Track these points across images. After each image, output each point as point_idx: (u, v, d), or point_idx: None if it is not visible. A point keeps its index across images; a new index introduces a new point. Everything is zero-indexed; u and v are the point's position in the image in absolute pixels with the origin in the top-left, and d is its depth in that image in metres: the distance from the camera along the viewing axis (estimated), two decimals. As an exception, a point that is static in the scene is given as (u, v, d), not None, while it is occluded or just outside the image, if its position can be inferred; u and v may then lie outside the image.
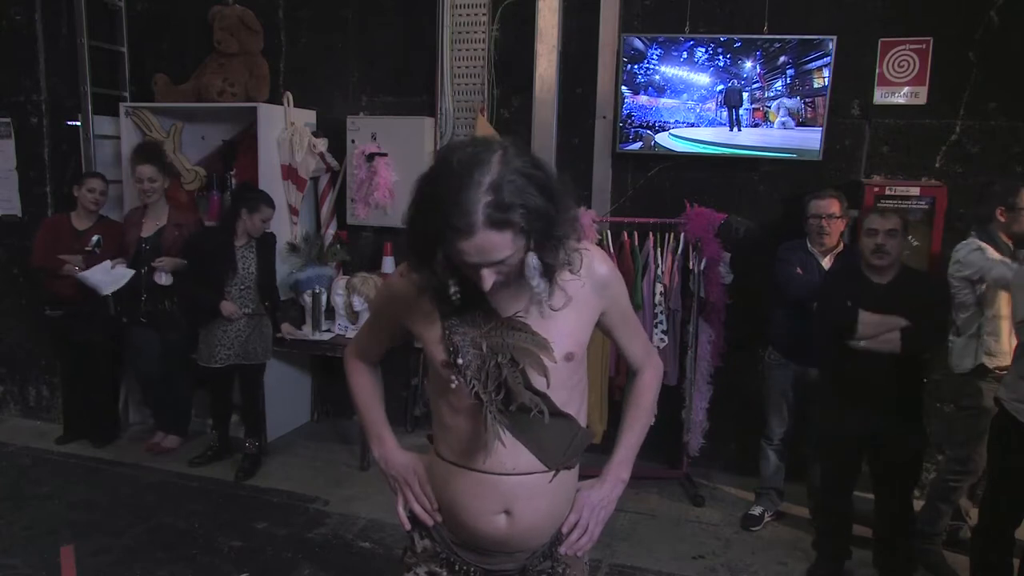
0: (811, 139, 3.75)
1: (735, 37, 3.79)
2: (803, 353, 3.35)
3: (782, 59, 3.73)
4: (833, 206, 3.32)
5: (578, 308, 1.38)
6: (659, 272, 3.76)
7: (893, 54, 3.69)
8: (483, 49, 4.22)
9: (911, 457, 2.92)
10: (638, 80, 3.90)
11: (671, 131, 3.92)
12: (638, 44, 3.87)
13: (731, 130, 3.84)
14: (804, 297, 3.27)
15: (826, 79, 3.69)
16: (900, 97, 3.72)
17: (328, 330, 4.34)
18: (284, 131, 4.33)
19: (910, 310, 2.77)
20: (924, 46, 3.65)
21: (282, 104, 4.36)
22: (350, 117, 4.42)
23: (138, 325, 4.21)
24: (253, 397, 4.11)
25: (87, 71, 4.43)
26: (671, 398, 3.95)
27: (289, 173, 4.35)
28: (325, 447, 4.43)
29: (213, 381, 4.10)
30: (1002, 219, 3.05)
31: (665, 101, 3.90)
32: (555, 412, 1.38)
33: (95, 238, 4.13)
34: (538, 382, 1.35)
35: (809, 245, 3.39)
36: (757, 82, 3.78)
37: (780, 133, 3.79)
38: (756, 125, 3.82)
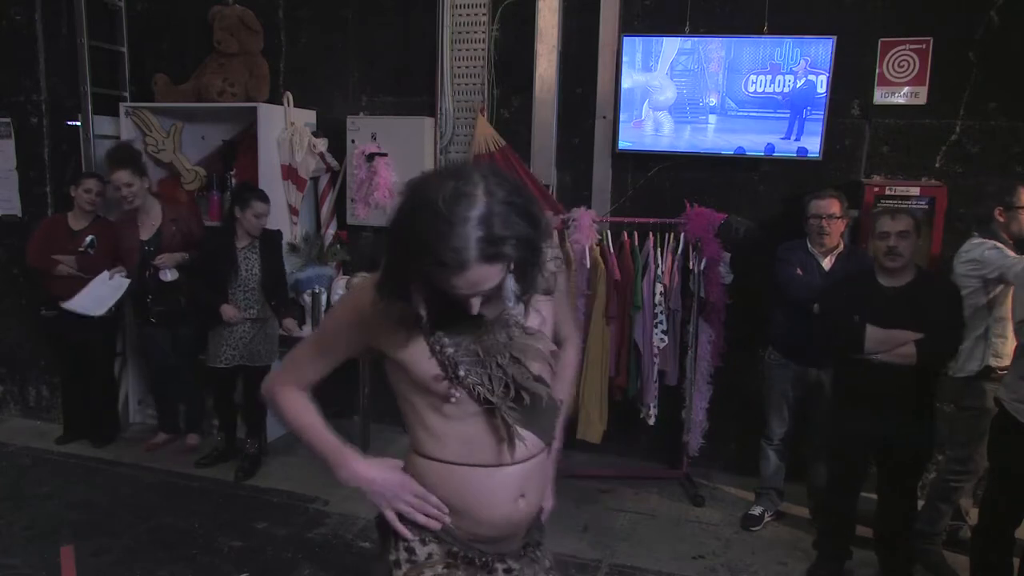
0: (811, 139, 3.75)
1: (735, 37, 3.79)
2: (803, 353, 3.36)
3: (782, 59, 3.73)
4: (833, 206, 3.31)
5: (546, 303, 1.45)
6: (659, 272, 3.76)
7: (893, 54, 3.69)
8: (483, 49, 4.22)
9: (921, 457, 2.90)
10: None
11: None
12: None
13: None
14: (804, 297, 3.27)
15: (826, 79, 3.69)
16: (900, 97, 3.72)
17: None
18: (284, 131, 4.33)
19: (926, 315, 2.70)
20: (924, 46, 3.65)
21: (282, 104, 4.36)
22: (350, 117, 4.42)
23: (149, 325, 4.20)
24: (255, 398, 4.11)
25: (87, 71, 4.43)
26: (671, 398, 3.97)
27: (289, 173, 4.35)
28: (325, 447, 4.42)
29: (218, 382, 4.09)
30: (1000, 219, 3.05)
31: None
32: (552, 395, 1.44)
33: (88, 239, 4.13)
34: (537, 370, 1.38)
35: (809, 245, 3.38)
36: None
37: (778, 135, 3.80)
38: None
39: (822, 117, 3.71)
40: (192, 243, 4.15)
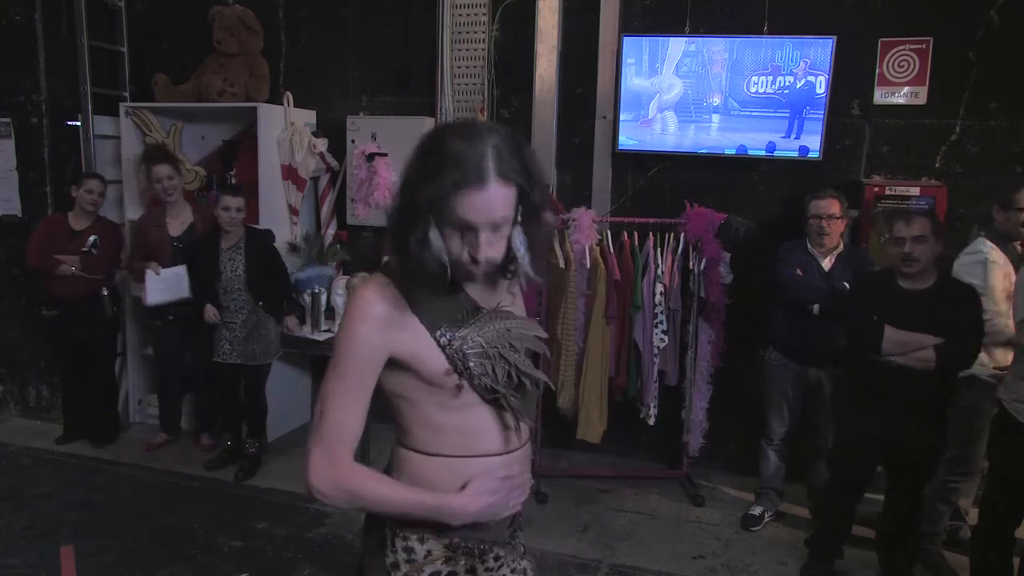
0: (811, 137, 3.75)
1: (736, 38, 3.79)
2: (803, 353, 3.36)
3: (783, 61, 3.73)
4: (833, 206, 3.31)
5: (517, 294, 1.53)
6: (659, 272, 3.76)
7: (893, 54, 3.69)
8: (483, 49, 4.22)
9: (930, 460, 2.86)
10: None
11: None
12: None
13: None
14: (804, 297, 3.27)
15: (825, 80, 3.69)
16: (900, 97, 3.72)
17: (328, 330, 4.33)
18: (284, 131, 4.33)
19: (944, 320, 2.65)
20: (924, 46, 3.65)
21: (282, 104, 4.36)
22: (350, 117, 4.42)
23: (165, 323, 4.19)
24: (255, 397, 4.11)
25: (87, 71, 4.43)
26: (671, 398, 3.97)
27: (289, 173, 4.36)
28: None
29: (222, 380, 4.08)
30: (997, 217, 3.05)
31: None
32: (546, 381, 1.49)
33: (92, 238, 4.13)
34: (534, 358, 1.44)
35: (809, 245, 3.39)
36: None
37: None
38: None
39: (822, 116, 3.71)
40: None
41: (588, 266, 3.77)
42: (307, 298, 4.31)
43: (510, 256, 1.32)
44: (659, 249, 3.77)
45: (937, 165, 3.72)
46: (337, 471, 1.31)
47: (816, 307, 3.25)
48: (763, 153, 3.84)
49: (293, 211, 4.44)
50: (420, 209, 1.24)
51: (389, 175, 4.29)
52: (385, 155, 4.30)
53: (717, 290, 3.76)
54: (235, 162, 4.55)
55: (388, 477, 1.40)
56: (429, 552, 1.41)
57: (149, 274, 4.01)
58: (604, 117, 4.06)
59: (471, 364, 1.33)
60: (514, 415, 1.40)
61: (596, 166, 4.13)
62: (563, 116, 4.16)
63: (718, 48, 3.79)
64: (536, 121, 4.14)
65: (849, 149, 3.83)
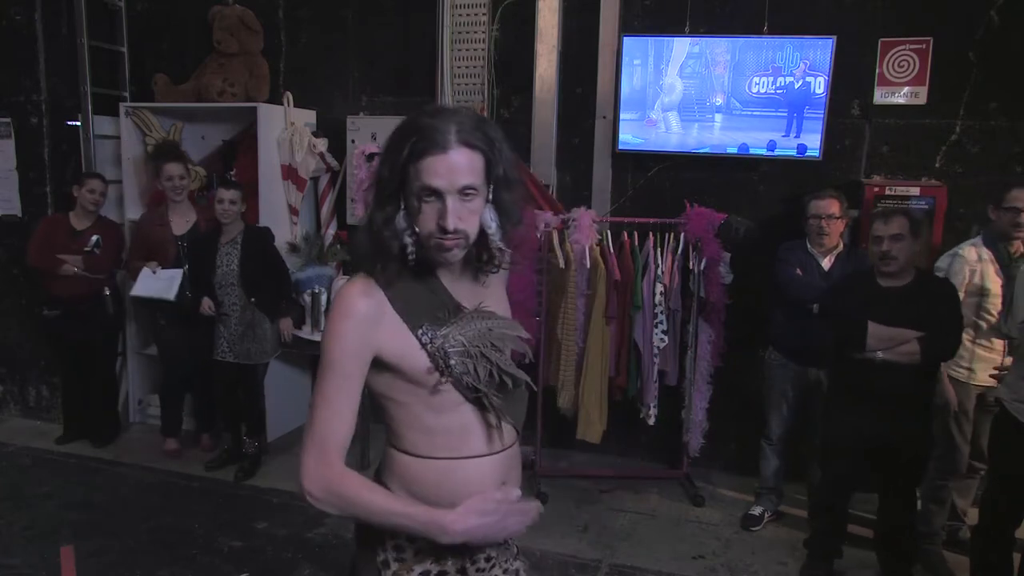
0: (810, 136, 3.76)
1: (736, 37, 3.79)
2: (803, 353, 3.36)
3: (783, 62, 3.73)
4: (833, 206, 3.31)
5: (502, 295, 1.54)
6: (659, 272, 3.76)
7: (893, 54, 3.69)
8: (483, 49, 4.22)
9: (919, 458, 2.89)
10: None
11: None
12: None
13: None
14: (804, 297, 3.27)
15: (824, 80, 3.69)
16: (900, 97, 3.72)
17: (328, 330, 4.33)
18: (284, 131, 4.33)
19: (925, 316, 2.69)
20: (924, 46, 3.65)
21: (282, 104, 4.36)
22: (350, 117, 4.42)
23: (170, 325, 4.18)
24: (253, 397, 4.11)
25: (87, 71, 4.43)
26: (671, 398, 3.97)
27: (289, 173, 4.36)
28: (325, 447, 4.42)
29: (221, 379, 4.08)
30: (992, 217, 3.06)
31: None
32: (529, 382, 1.48)
33: (94, 238, 4.13)
34: (517, 358, 1.43)
35: (809, 245, 3.39)
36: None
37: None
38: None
39: (821, 116, 3.72)
40: None
41: (588, 266, 3.77)
42: (307, 298, 4.31)
43: (483, 237, 1.34)
44: (659, 249, 3.77)
45: (937, 165, 3.72)
46: (328, 471, 1.33)
47: (816, 307, 3.25)
48: (764, 152, 3.85)
49: (293, 211, 4.44)
50: (389, 184, 1.29)
51: (389, 175, 4.28)
52: (385, 155, 4.29)
53: (717, 290, 3.75)
54: (235, 162, 4.55)
55: (381, 487, 1.39)
56: (418, 552, 1.42)
57: (145, 270, 4.02)
58: (604, 117, 4.06)
59: (452, 362, 1.33)
60: (496, 414, 1.40)
61: (596, 166, 4.13)
62: (563, 116, 4.16)
63: (721, 49, 3.80)
64: (536, 121, 4.14)
65: (849, 149, 3.83)
